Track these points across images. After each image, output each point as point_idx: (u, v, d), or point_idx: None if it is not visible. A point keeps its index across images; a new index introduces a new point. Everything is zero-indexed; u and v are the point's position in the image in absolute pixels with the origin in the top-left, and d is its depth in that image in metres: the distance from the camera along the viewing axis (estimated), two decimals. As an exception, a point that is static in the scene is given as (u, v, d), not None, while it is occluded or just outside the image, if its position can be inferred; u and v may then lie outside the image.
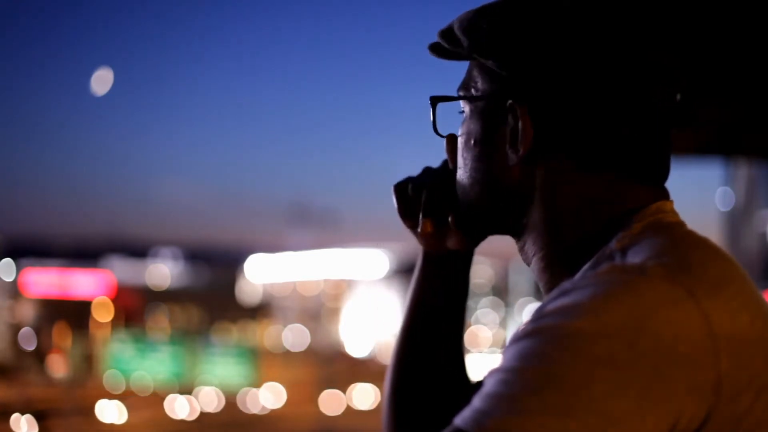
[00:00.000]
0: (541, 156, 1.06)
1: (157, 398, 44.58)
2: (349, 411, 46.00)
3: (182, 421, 42.65)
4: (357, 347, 70.30)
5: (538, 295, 1.12)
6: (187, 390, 45.16)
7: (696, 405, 0.88)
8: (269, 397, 46.75)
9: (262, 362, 47.11)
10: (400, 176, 1.28)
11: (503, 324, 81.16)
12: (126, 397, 43.45)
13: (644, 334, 0.87)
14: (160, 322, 67.57)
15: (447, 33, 1.14)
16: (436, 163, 1.28)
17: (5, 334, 60.65)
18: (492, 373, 0.91)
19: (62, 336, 58.22)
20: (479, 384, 0.97)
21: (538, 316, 0.92)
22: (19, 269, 63.11)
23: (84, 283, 58.71)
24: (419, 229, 1.24)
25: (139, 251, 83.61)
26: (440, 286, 1.30)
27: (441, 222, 1.22)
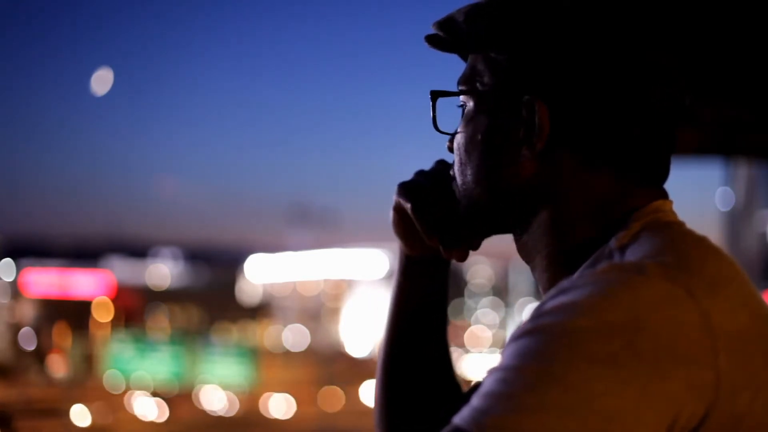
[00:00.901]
0: (552, 153, 1.04)
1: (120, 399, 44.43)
2: (350, 409, 46.00)
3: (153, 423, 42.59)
4: (357, 347, 70.29)
5: (538, 295, 1.12)
6: (187, 389, 45.17)
7: (695, 403, 0.88)
8: (279, 404, 46.73)
9: (262, 362, 47.16)
10: (400, 176, 1.24)
11: (503, 324, 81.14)
12: (95, 399, 43.26)
13: (643, 332, 0.87)
14: (160, 322, 67.58)
15: (448, 24, 1.12)
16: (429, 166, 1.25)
17: (5, 334, 60.63)
18: (491, 371, 0.91)
19: (62, 336, 58.25)
20: (478, 384, 0.97)
21: (536, 314, 0.92)
22: (19, 269, 63.19)
23: (84, 283, 58.80)
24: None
25: (139, 251, 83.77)
26: (424, 286, 1.29)
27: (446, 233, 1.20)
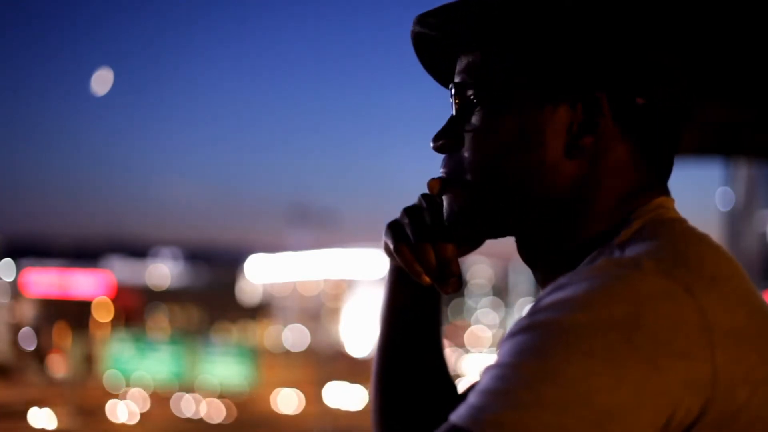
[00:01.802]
0: (590, 151, 1.03)
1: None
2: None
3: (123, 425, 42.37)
4: (357, 347, 70.27)
5: (538, 295, 1.11)
6: (188, 389, 45.15)
7: (692, 398, 0.88)
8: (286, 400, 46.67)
9: (262, 362, 47.12)
10: (400, 176, 1.24)
11: (503, 324, 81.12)
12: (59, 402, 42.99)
13: (640, 327, 0.87)
14: (160, 322, 67.57)
15: (448, 17, 1.08)
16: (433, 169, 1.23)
17: (5, 334, 60.63)
18: (488, 369, 0.90)
19: (62, 336, 58.21)
20: (476, 384, 0.95)
21: (533, 311, 0.92)
22: (19, 269, 63.13)
23: (84, 283, 58.72)
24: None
25: (139, 251, 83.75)
26: (417, 292, 1.28)
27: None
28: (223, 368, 43.74)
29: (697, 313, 0.89)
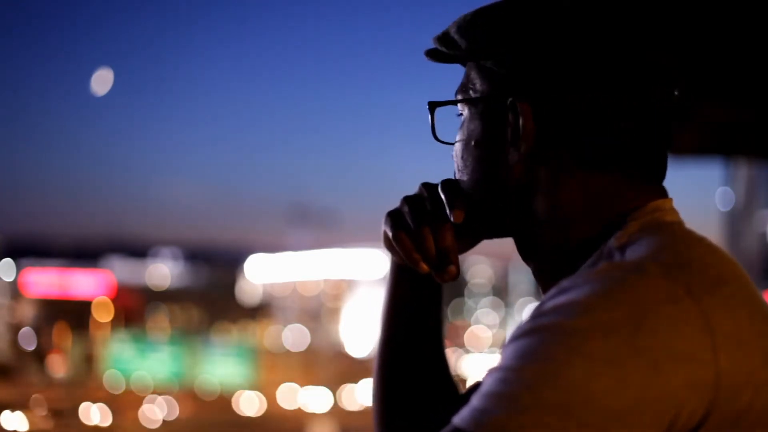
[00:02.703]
0: (543, 154, 1.05)
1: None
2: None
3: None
4: (357, 347, 70.27)
5: (538, 295, 1.12)
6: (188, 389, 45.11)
7: (695, 401, 0.88)
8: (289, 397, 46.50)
9: (262, 362, 47.14)
10: (400, 176, 1.26)
11: (503, 324, 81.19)
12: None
13: (642, 331, 0.87)
14: (160, 322, 67.62)
15: (444, 37, 1.13)
16: (433, 171, 1.28)
17: (5, 334, 60.68)
18: (491, 372, 0.91)
19: (62, 336, 58.27)
20: (478, 384, 0.97)
21: (536, 314, 0.92)
22: (19, 269, 63.25)
23: (84, 283, 58.83)
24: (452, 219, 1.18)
25: (139, 251, 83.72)
26: (416, 290, 1.29)
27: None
28: (223, 368, 43.79)
29: (699, 316, 0.89)
